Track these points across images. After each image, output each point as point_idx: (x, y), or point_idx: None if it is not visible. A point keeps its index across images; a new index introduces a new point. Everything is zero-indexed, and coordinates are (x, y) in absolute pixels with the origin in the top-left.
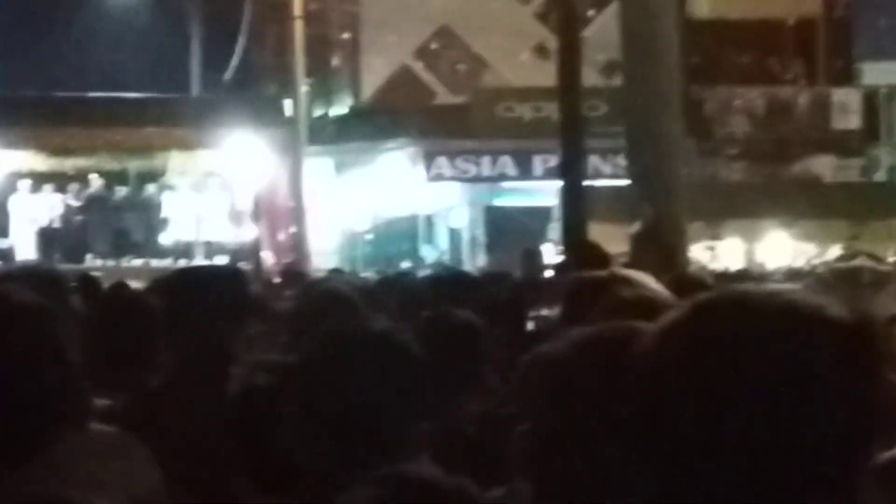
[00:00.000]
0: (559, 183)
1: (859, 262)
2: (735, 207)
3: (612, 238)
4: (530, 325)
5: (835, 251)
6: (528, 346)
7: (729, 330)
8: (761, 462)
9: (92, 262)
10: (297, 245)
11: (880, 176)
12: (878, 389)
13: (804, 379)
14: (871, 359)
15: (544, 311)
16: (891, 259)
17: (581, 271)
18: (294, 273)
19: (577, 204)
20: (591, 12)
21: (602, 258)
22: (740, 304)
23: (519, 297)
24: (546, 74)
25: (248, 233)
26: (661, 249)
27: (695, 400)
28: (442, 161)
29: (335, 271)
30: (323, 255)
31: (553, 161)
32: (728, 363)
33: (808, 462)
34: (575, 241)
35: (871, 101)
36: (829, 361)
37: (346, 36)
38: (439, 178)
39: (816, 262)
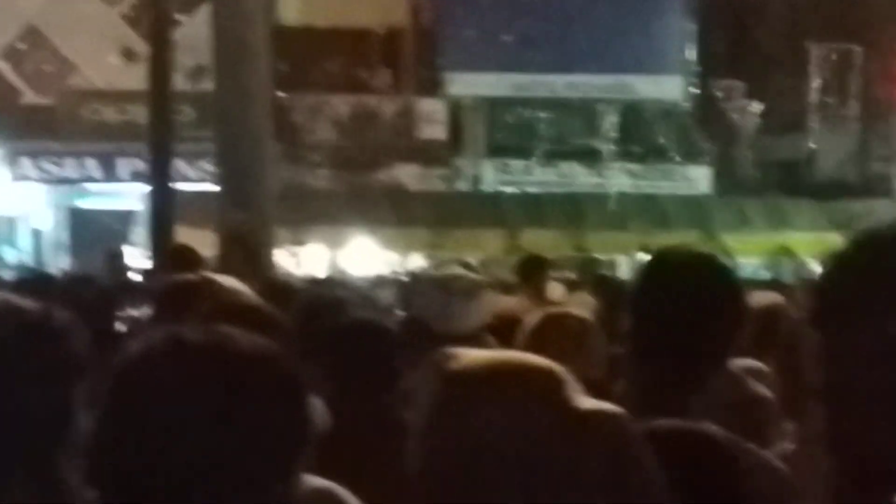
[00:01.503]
0: (145, 186)
1: (452, 270)
2: (320, 214)
3: (200, 242)
4: (120, 327)
5: (418, 259)
6: (117, 348)
7: None
8: None
9: None
10: None
11: (463, 185)
12: None
13: None
14: None
15: (134, 313)
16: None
17: (172, 274)
18: None
19: (164, 207)
20: (179, 16)
21: (194, 261)
22: None
23: (105, 299)
24: (133, 77)
25: None
26: (249, 254)
27: None
28: (26, 162)
29: None
30: None
31: (139, 164)
32: None
33: None
34: (167, 244)
35: (457, 112)
36: None
37: None
38: (23, 178)
39: (400, 269)
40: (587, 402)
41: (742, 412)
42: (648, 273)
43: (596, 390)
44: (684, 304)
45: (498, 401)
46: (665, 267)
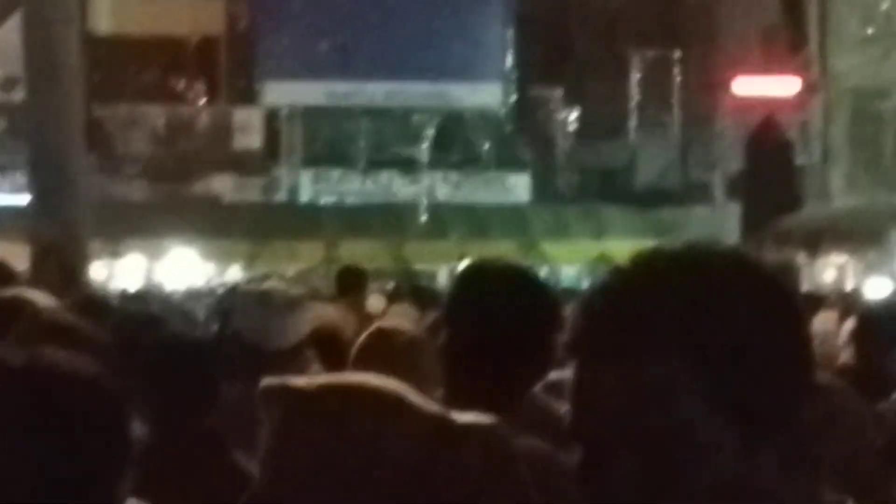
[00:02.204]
0: None
1: (270, 283)
2: (136, 225)
3: (12, 256)
4: None
5: (236, 270)
6: None
7: None
8: None
9: None
10: None
11: (281, 196)
12: None
13: None
14: None
15: None
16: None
17: None
18: None
19: None
20: None
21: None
22: None
23: None
24: None
25: None
26: (63, 268)
27: None
28: None
29: None
30: None
31: None
32: None
33: None
34: None
35: (273, 121)
36: None
37: None
38: None
39: (217, 281)
40: (462, 417)
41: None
42: (461, 287)
43: None
44: (497, 318)
45: (346, 424)
46: (478, 281)
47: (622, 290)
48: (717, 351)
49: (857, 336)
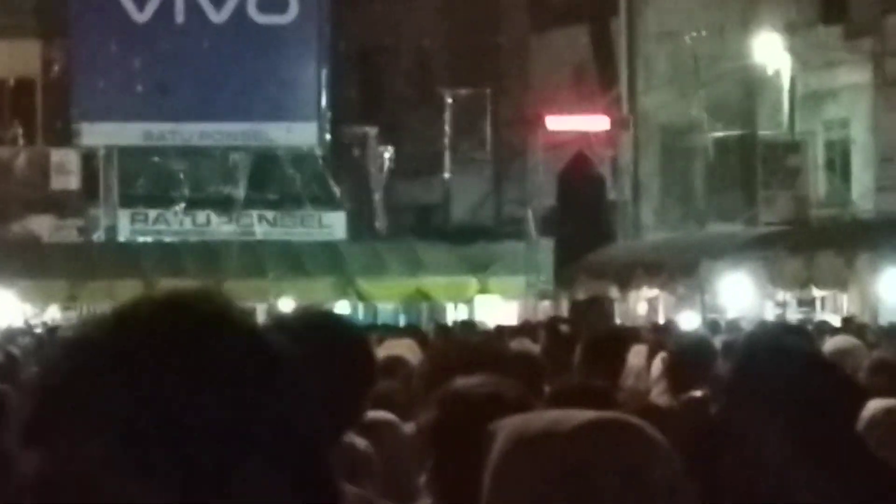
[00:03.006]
0: None
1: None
2: None
3: None
4: None
5: (55, 310)
6: None
7: None
8: None
9: None
10: None
11: (99, 236)
12: None
13: None
14: None
15: None
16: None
17: None
18: None
19: None
20: None
21: None
22: None
23: None
24: None
25: None
26: None
27: None
28: None
29: None
30: None
31: None
32: None
33: None
34: None
35: (90, 162)
36: None
37: None
38: None
39: (36, 321)
40: None
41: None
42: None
43: None
44: (309, 364)
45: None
46: (290, 331)
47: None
48: None
49: (670, 370)
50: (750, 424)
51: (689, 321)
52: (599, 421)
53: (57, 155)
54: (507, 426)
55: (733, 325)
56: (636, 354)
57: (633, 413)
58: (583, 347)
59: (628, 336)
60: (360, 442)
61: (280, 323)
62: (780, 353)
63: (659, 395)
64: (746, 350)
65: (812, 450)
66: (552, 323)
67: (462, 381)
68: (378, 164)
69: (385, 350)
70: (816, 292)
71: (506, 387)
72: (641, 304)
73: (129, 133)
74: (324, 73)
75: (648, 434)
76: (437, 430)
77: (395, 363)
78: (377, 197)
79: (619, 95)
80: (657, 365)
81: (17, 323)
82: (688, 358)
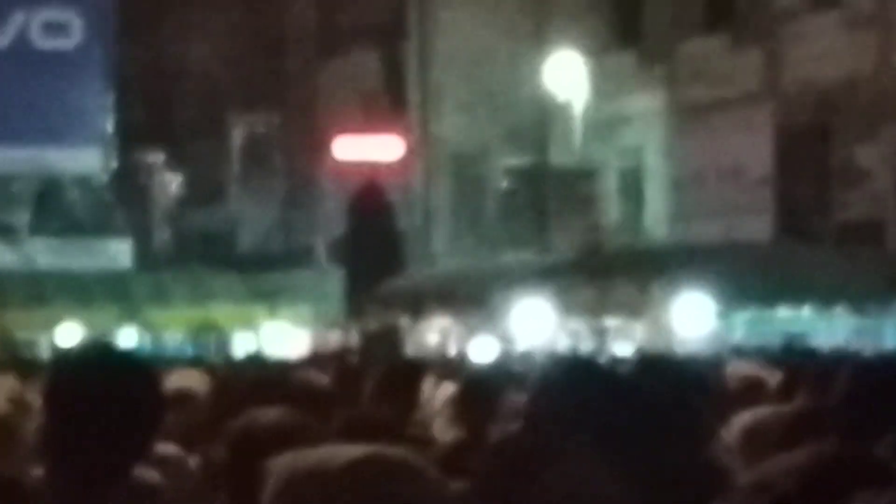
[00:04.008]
0: None
1: None
2: None
3: None
4: None
5: None
6: None
7: None
8: None
9: None
10: None
11: None
12: None
13: None
14: None
15: None
16: None
17: None
18: None
19: None
20: None
21: None
22: None
23: None
24: None
25: None
26: None
27: None
28: None
29: None
30: None
31: None
32: None
33: None
34: None
35: None
36: None
37: None
38: None
39: None
40: None
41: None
42: (58, 371)
43: None
44: (96, 402)
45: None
46: (76, 365)
47: None
48: None
49: (459, 401)
50: (548, 451)
51: (481, 351)
52: (369, 458)
53: None
54: (280, 464)
55: (526, 355)
56: (428, 385)
57: (417, 446)
58: (376, 379)
59: (423, 367)
60: (149, 475)
61: (63, 358)
62: (577, 379)
63: (446, 427)
64: (543, 379)
65: (612, 471)
66: (342, 353)
67: (251, 416)
68: (165, 191)
69: (172, 381)
70: (610, 321)
71: (294, 421)
72: (433, 333)
73: None
74: (109, 98)
75: (419, 469)
76: (227, 466)
77: (183, 395)
78: (164, 225)
79: (410, 122)
80: (442, 395)
81: None
82: (478, 388)
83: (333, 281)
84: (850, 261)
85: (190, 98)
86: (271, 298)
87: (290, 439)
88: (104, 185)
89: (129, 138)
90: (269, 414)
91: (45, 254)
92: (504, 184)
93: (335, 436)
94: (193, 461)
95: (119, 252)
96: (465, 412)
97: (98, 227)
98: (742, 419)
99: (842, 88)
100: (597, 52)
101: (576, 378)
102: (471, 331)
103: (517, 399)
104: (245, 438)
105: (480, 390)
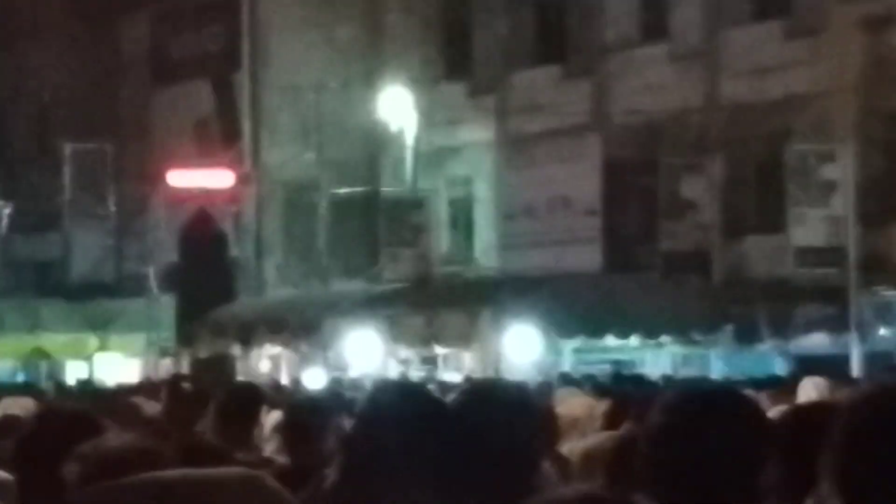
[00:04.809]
0: None
1: None
2: None
3: None
4: None
5: None
6: None
7: None
8: None
9: None
10: None
11: None
12: None
13: None
14: None
15: None
16: None
17: None
18: None
19: None
20: None
21: None
22: None
23: None
24: None
25: None
26: None
27: None
28: None
29: None
30: None
31: None
32: None
33: None
34: None
35: None
36: None
37: None
38: None
39: None
40: None
41: None
42: None
43: None
44: None
45: None
46: None
47: None
48: None
49: (286, 427)
50: (376, 478)
51: (312, 379)
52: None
53: None
54: (93, 493)
55: (356, 383)
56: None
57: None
58: (216, 405)
59: (262, 393)
60: None
61: None
62: (404, 406)
63: (275, 454)
64: (370, 405)
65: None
66: (174, 381)
67: (98, 441)
68: None
69: (1, 409)
70: (439, 349)
71: (141, 445)
72: (264, 361)
73: None
74: None
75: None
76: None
77: (12, 422)
78: None
79: (242, 151)
80: (271, 422)
81: None
82: (304, 414)
83: (165, 309)
84: (677, 291)
85: (22, 126)
86: (103, 326)
87: (136, 464)
88: None
89: None
90: (116, 439)
91: None
92: (334, 213)
93: (174, 462)
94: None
95: None
96: (290, 439)
97: None
98: (574, 446)
99: (669, 120)
100: (428, 83)
101: (400, 403)
102: (302, 359)
103: (344, 424)
104: (95, 462)
105: (305, 416)
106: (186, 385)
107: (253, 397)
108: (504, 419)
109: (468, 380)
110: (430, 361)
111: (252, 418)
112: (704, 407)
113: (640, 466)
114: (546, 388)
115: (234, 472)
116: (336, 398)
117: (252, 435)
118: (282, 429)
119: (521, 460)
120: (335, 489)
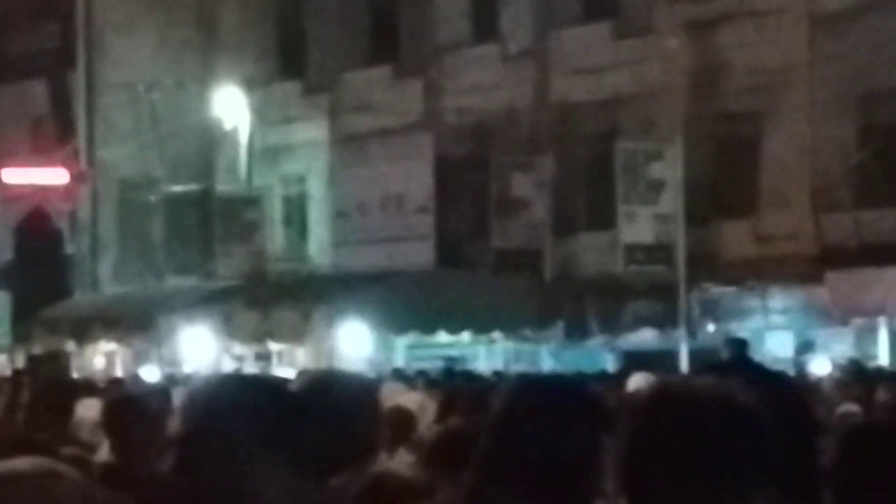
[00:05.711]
0: None
1: None
2: None
3: None
4: None
5: None
6: None
7: None
8: None
9: None
10: None
11: None
12: None
13: None
14: None
15: None
16: None
17: None
18: None
19: None
20: None
21: None
22: None
23: None
24: None
25: None
26: None
27: None
28: None
29: None
30: None
31: None
32: None
33: None
34: None
35: None
36: None
37: None
38: None
39: None
40: None
41: None
42: None
43: None
44: None
45: None
46: None
47: None
48: None
49: (104, 420)
50: (222, 467)
51: (147, 374)
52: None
53: None
54: None
55: (190, 379)
56: (89, 408)
57: (74, 465)
58: (30, 399)
59: (76, 388)
60: None
61: None
62: (247, 394)
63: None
64: (210, 396)
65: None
66: (15, 377)
67: None
68: None
69: None
70: (273, 346)
71: None
72: (99, 357)
73: None
74: None
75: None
76: None
77: None
78: None
79: (77, 149)
80: (92, 415)
81: None
82: (123, 406)
83: (0, 306)
84: (508, 287)
85: None
86: None
87: None
88: None
89: None
90: None
91: None
92: (169, 210)
93: None
94: None
95: None
96: (109, 434)
97: None
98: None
99: (499, 119)
100: (262, 82)
101: (243, 392)
102: (137, 355)
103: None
104: None
105: (126, 408)
106: (27, 380)
107: (65, 392)
108: (344, 404)
109: (304, 372)
110: (265, 358)
111: (65, 413)
112: (544, 394)
113: (481, 453)
114: (377, 384)
115: (27, 462)
116: (161, 394)
117: (67, 428)
118: (101, 424)
119: (356, 452)
120: (176, 482)
